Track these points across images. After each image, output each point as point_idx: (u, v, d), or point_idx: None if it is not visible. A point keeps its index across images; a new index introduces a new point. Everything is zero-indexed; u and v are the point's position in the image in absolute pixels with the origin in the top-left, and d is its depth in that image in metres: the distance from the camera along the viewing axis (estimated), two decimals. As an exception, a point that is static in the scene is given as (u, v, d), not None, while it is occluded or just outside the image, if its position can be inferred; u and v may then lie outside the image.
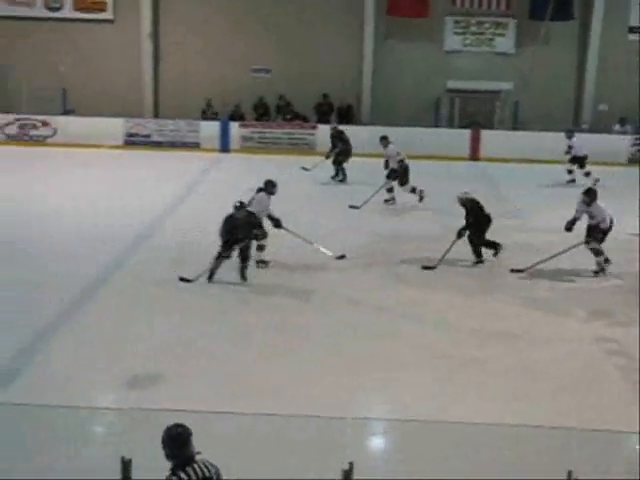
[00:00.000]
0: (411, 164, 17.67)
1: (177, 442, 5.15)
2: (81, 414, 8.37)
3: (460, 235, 13.23)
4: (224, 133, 24.57)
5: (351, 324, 10.83)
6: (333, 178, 20.16)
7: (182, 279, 12.00)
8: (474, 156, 24.13)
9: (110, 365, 9.46)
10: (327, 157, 20.18)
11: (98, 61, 26.18)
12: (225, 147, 24.50)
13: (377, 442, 7.77)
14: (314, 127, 24.50)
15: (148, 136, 24.74)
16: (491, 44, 26.36)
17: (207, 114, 25.74)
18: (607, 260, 13.20)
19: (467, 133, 24.48)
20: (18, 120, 25.07)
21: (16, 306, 11.29)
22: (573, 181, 20.36)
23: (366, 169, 19.41)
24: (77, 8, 26.44)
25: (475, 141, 24.32)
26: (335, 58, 26.02)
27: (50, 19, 26.61)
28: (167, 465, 5.16)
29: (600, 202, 13.23)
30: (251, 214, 12.28)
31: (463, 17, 26.15)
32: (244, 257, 12.30)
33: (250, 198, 13.13)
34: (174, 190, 18.48)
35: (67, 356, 9.78)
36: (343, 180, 20.06)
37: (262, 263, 13.02)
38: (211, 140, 24.29)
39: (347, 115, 25.89)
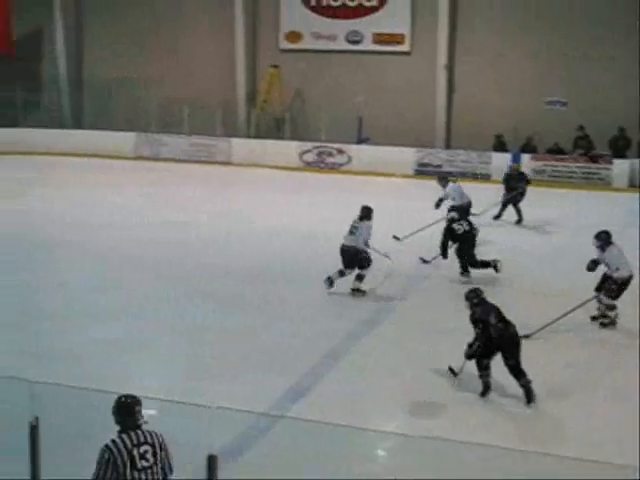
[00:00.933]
0: None
1: (124, 410, 5.74)
2: (365, 435, 8.56)
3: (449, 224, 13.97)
4: (515, 165, 24.21)
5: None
6: (496, 219, 18.72)
7: (451, 370, 9.91)
8: None
9: (395, 389, 9.58)
10: (506, 200, 18.70)
11: (393, 91, 26.75)
12: (516, 179, 24.06)
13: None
14: (610, 162, 23.58)
15: (439, 166, 24.91)
16: None
17: (504, 145, 25.38)
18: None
19: None
20: (316, 148, 26.27)
21: (307, 327, 11.78)
22: None
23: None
24: (376, 41, 27.28)
25: None
26: (634, 91, 24.86)
27: (350, 51, 27.67)
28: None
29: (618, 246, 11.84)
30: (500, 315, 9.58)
31: None
32: (517, 374, 9.38)
33: (351, 228, 13.23)
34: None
35: (354, 377, 10.06)
36: (519, 221, 18.53)
37: (358, 292, 13.06)
38: (502, 172, 23.96)
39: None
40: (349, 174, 25.13)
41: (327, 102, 26.68)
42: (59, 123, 29.55)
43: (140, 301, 12.94)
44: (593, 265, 11.90)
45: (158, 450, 5.71)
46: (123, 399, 5.82)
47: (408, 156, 25.34)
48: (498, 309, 9.53)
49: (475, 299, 9.61)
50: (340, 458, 7.92)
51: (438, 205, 16.56)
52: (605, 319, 11.89)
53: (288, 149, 26.45)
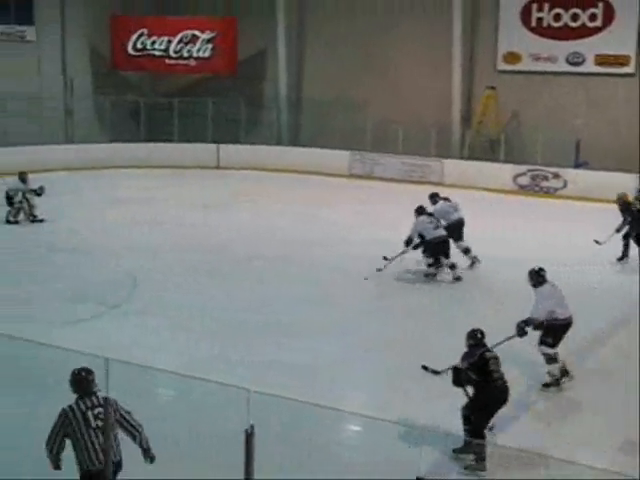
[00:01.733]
0: None
1: (78, 381, 6.71)
2: (569, 468, 8.29)
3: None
4: None
5: None
6: (620, 260, 17.15)
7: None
8: None
9: (607, 425, 9.24)
10: (617, 231, 17.02)
11: (614, 114, 25.83)
12: None
13: None
14: None
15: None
16: None
17: None
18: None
19: None
20: (530, 171, 25.76)
21: (515, 354, 11.55)
22: None
23: None
24: (598, 62, 26.41)
25: None
26: None
27: (570, 73, 26.97)
28: None
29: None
30: None
31: None
32: (472, 435, 8.50)
33: (434, 224, 15.17)
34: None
35: (563, 408, 9.78)
36: (621, 259, 17.01)
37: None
38: None
39: None
40: (564, 199, 24.45)
41: (544, 124, 26.07)
42: (277, 140, 30.62)
43: (348, 316, 13.20)
44: (522, 329, 10.16)
45: (112, 411, 6.58)
46: (77, 372, 6.77)
47: (628, 182, 24.22)
48: (484, 359, 8.59)
49: (471, 340, 8.86)
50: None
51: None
52: (553, 379, 10.52)
53: (502, 172, 26.08)
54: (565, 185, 25.23)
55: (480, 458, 8.33)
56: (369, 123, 27.97)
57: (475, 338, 8.83)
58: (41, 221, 19.48)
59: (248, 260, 16.60)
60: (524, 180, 25.82)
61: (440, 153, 27.42)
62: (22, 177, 19.57)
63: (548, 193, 25.27)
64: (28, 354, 9.27)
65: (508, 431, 9.22)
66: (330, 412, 8.77)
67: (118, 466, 6.74)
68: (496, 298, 14.53)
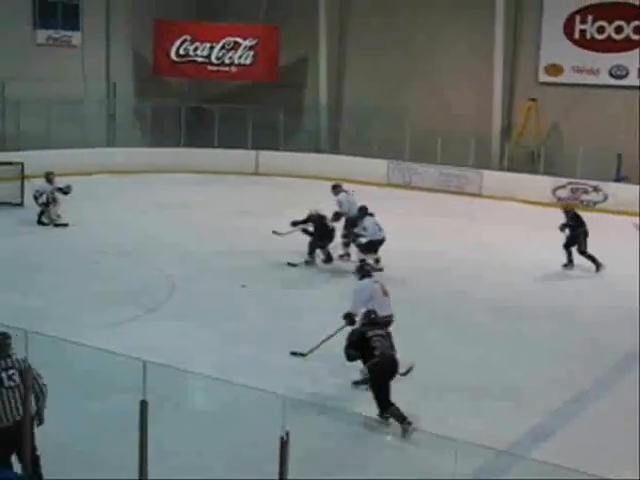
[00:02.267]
0: None
1: None
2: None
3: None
4: None
5: None
6: (565, 266, 17.23)
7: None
8: None
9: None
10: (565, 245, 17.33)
11: (657, 129, 25.58)
12: None
13: None
14: None
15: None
16: None
17: None
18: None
19: None
20: (570, 184, 25.56)
21: (549, 367, 11.48)
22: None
23: None
24: (644, 76, 26.23)
25: None
26: None
27: (612, 86, 26.73)
28: None
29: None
30: None
31: None
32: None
33: (378, 225, 16.02)
34: None
35: (601, 424, 9.69)
36: (598, 269, 16.92)
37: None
38: None
39: None
40: (604, 213, 24.20)
41: (585, 137, 25.87)
42: (316, 148, 30.67)
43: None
44: (347, 317, 10.36)
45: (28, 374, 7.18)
46: None
47: (669, 197, 24.00)
48: (365, 337, 9.22)
49: (365, 319, 9.57)
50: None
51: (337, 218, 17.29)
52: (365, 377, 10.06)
53: (541, 184, 25.90)
54: (605, 199, 25.00)
55: (401, 419, 8.89)
56: (408, 132, 27.90)
57: (369, 318, 9.51)
58: (65, 225, 19.35)
59: (288, 267, 16.63)
60: (564, 193, 25.62)
61: (479, 164, 27.29)
62: (48, 177, 19.64)
63: (588, 206, 24.99)
64: (64, 355, 9.37)
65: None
66: (366, 421, 8.83)
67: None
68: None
